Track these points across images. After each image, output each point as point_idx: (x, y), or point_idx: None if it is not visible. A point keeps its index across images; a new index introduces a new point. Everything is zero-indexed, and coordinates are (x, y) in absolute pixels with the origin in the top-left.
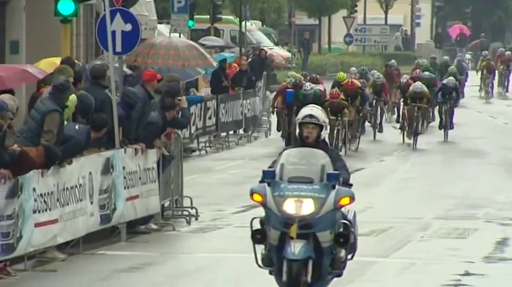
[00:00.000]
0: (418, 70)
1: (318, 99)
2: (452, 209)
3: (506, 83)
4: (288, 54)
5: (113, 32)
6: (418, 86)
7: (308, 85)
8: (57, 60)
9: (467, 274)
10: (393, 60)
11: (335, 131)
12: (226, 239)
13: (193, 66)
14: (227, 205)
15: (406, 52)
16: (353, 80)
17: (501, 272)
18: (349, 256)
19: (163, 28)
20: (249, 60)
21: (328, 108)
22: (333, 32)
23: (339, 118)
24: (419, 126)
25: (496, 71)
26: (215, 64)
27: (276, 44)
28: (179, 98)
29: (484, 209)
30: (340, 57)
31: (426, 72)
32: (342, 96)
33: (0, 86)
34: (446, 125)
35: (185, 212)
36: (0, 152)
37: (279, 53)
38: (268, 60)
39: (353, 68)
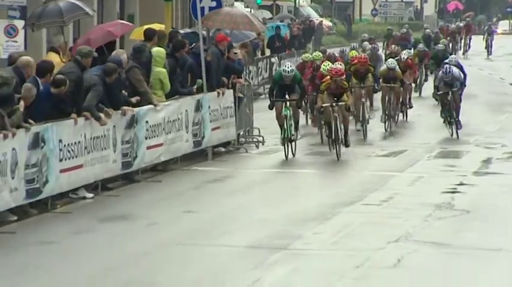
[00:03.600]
0: (393, 46)
1: (297, 82)
2: (451, 136)
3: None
4: (330, 24)
5: (202, 8)
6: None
7: (289, 65)
8: (156, 27)
9: (461, 184)
10: (406, 25)
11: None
12: (284, 159)
13: (241, 30)
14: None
15: (416, 22)
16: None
17: (486, 182)
18: None
19: (239, 4)
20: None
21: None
22: (363, 7)
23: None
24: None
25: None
26: (262, 30)
27: (321, 16)
28: (235, 51)
29: (474, 136)
30: (368, 25)
31: (420, 45)
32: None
33: (111, 37)
34: (452, 121)
35: (254, 139)
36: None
37: (324, 23)
38: (319, 28)
39: (365, 43)
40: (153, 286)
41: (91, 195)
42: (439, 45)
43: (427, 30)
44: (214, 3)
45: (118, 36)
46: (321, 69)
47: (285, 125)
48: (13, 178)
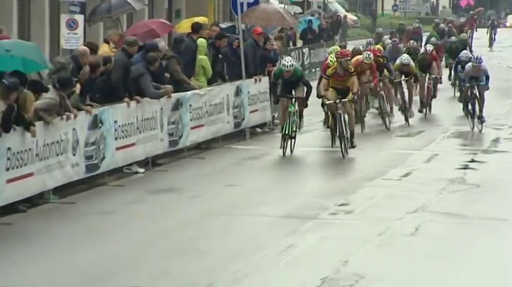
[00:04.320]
0: (412, 41)
1: (298, 78)
2: (463, 119)
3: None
4: (355, 18)
5: (241, 4)
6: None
7: (288, 60)
8: (200, 21)
9: (472, 161)
10: (416, 20)
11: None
12: (314, 139)
13: (273, 25)
14: (316, 117)
15: (432, 16)
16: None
17: (495, 159)
18: None
19: (273, 0)
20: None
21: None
22: (384, 3)
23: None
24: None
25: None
26: (293, 24)
27: (347, 11)
28: (272, 42)
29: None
30: (389, 19)
31: (433, 38)
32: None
33: (154, 36)
34: (474, 114)
35: None
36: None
37: (349, 17)
38: (345, 21)
39: (386, 37)
40: (197, 252)
41: (142, 170)
42: (452, 37)
43: (442, 25)
44: (251, 0)
45: (160, 36)
46: (328, 60)
47: (287, 123)
48: (74, 155)
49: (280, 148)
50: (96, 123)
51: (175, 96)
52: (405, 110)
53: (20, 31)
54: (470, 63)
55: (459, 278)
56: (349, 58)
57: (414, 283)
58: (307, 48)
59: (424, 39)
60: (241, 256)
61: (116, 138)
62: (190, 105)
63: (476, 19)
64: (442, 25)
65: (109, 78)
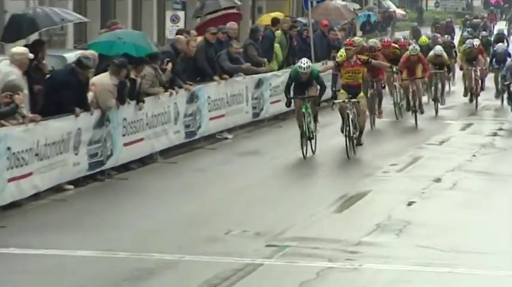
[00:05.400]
0: (446, 36)
1: (314, 78)
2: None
3: None
4: (404, 13)
5: (311, 2)
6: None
7: (305, 61)
8: (277, 14)
9: (500, 129)
10: (450, 15)
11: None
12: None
13: (333, 19)
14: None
15: (467, 11)
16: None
17: None
18: None
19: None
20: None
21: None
22: (428, 0)
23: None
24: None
25: None
26: (351, 17)
27: (397, 7)
28: (336, 32)
29: None
30: (432, 14)
31: (465, 33)
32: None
33: (228, 21)
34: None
35: None
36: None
37: (399, 12)
38: (396, 16)
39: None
40: (274, 202)
41: (231, 136)
42: (483, 32)
43: (477, 19)
44: None
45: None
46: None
47: (304, 124)
48: (176, 124)
49: (301, 149)
50: (192, 98)
51: (257, 76)
52: (435, 100)
53: (133, 24)
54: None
55: (488, 222)
56: (353, 48)
57: (452, 227)
58: (365, 38)
59: (457, 31)
60: (309, 206)
61: (209, 111)
62: (270, 83)
63: (496, 14)
64: (475, 20)
65: (195, 61)
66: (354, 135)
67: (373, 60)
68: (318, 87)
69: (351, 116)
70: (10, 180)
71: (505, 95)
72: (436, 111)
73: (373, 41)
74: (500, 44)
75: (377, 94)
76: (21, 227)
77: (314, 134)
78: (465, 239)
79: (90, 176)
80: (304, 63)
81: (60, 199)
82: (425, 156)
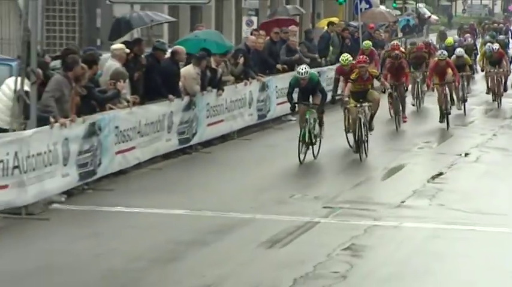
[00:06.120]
0: (469, 39)
1: (314, 85)
2: None
3: None
4: (437, 18)
5: (361, 8)
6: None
7: (303, 67)
8: (332, 19)
9: None
10: (472, 20)
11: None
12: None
13: (377, 21)
14: None
15: (489, 17)
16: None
17: None
18: None
19: (382, 6)
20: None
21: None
22: (457, 7)
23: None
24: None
25: None
26: (392, 20)
27: (431, 13)
28: (381, 33)
29: None
30: (460, 19)
31: (487, 37)
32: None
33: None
34: None
35: None
36: None
37: (433, 17)
38: (430, 20)
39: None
40: (332, 171)
41: (294, 118)
42: (500, 36)
43: (500, 24)
44: (367, 6)
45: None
46: (340, 59)
47: (305, 129)
48: (250, 108)
49: (299, 154)
50: (264, 87)
51: (316, 69)
52: (463, 101)
53: (216, 27)
54: None
55: (506, 189)
56: (365, 65)
57: (476, 193)
58: (404, 38)
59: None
60: (358, 176)
61: (277, 97)
62: (327, 75)
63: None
64: (495, 24)
65: (261, 55)
66: (366, 139)
67: (382, 79)
68: (320, 95)
69: (362, 120)
70: (117, 153)
71: None
72: (465, 111)
73: (368, 44)
74: None
75: (400, 97)
76: (126, 191)
77: (318, 139)
78: (487, 203)
79: (180, 150)
80: (302, 69)
81: (157, 168)
82: (453, 135)
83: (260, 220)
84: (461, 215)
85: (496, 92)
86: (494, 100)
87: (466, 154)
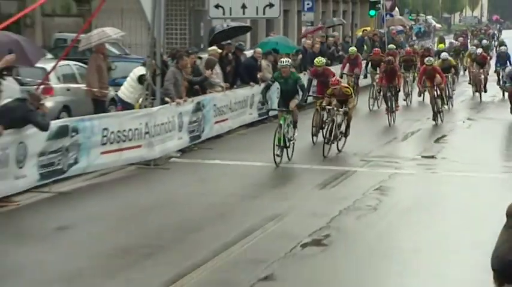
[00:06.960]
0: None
1: (295, 81)
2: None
3: None
4: (440, 26)
5: (386, 20)
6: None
7: (285, 60)
8: (366, 28)
9: (494, 96)
10: (464, 28)
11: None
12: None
13: (397, 25)
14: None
15: (477, 25)
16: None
17: None
18: None
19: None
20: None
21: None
22: (455, 18)
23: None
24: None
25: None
26: (408, 25)
27: (436, 22)
28: (400, 38)
29: None
30: (457, 27)
31: (484, 41)
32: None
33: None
34: None
35: None
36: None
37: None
38: (435, 28)
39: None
40: (365, 134)
41: None
42: (484, 41)
43: (482, 30)
44: (388, 17)
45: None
46: (315, 61)
47: (279, 133)
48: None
49: (274, 157)
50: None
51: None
52: (449, 97)
53: (283, 33)
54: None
55: (494, 145)
56: (337, 87)
57: (471, 148)
58: (417, 41)
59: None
60: (384, 138)
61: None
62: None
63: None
64: (490, 31)
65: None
66: (338, 138)
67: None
68: (299, 98)
69: (338, 121)
70: (215, 123)
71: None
72: (452, 104)
73: (392, 47)
74: (503, 47)
75: (394, 95)
76: (221, 149)
77: (292, 142)
78: (480, 155)
79: (259, 120)
80: (284, 59)
81: (243, 134)
82: (450, 110)
83: (314, 169)
84: (459, 165)
85: (478, 89)
86: (476, 91)
87: (461, 122)
